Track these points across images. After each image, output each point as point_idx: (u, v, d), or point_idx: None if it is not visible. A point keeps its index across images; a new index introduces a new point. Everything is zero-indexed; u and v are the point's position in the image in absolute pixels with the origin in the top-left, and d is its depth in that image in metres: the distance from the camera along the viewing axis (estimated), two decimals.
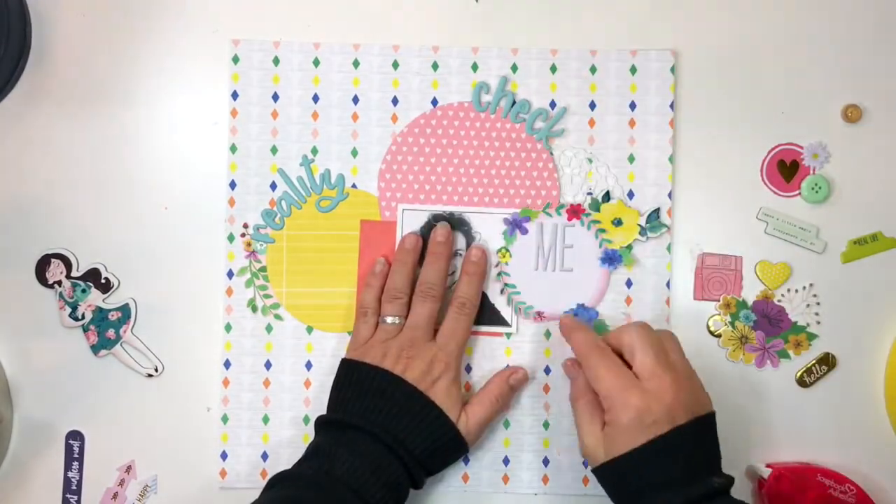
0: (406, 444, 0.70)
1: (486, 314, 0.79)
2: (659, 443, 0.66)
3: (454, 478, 0.78)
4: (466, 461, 0.78)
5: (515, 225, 0.79)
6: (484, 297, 0.79)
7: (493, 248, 0.79)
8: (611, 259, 0.78)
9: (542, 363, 0.79)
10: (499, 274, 0.79)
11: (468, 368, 0.79)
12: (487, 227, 0.79)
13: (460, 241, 0.79)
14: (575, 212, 0.79)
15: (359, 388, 0.73)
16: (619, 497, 0.69)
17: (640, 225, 0.78)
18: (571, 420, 0.78)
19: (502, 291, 0.79)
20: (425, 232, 0.79)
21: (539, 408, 0.79)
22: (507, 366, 0.79)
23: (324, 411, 0.75)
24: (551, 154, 0.79)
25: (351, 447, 0.70)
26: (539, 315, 0.79)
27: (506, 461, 0.79)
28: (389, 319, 0.75)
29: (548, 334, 0.79)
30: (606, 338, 0.73)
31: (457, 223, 0.79)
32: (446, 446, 0.72)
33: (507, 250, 0.79)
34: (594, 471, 0.70)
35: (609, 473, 0.68)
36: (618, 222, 0.78)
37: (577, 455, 0.78)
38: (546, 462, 0.78)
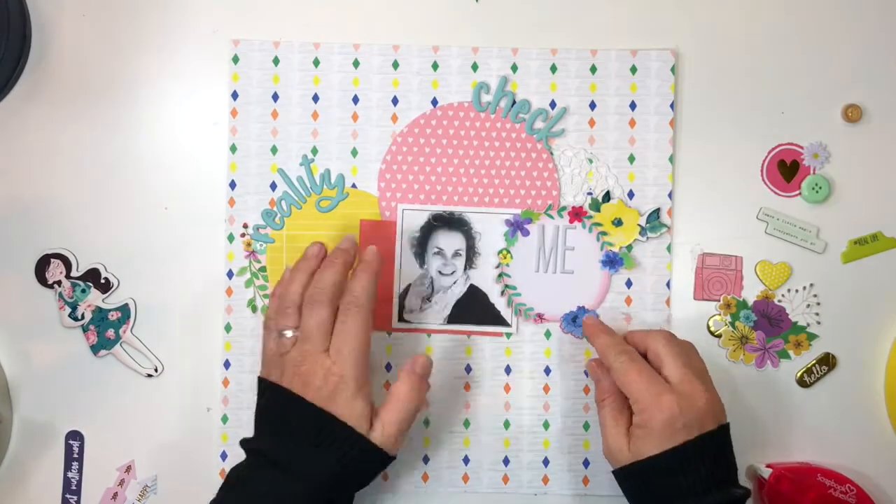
0: (312, 467, 0.65)
1: (486, 314, 0.79)
2: (689, 447, 0.66)
3: (454, 478, 0.78)
4: (466, 462, 0.78)
5: (517, 226, 0.79)
6: (484, 297, 0.79)
7: (493, 249, 0.79)
8: (612, 262, 0.78)
9: (542, 363, 0.79)
10: (500, 275, 0.79)
11: (468, 369, 0.79)
12: (487, 226, 0.79)
13: (460, 241, 0.79)
14: (577, 214, 0.79)
15: (264, 409, 0.69)
16: (641, 500, 0.68)
17: (640, 225, 0.78)
18: (572, 420, 0.78)
19: (503, 293, 0.79)
20: (424, 232, 0.79)
21: (539, 408, 0.79)
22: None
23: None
24: (551, 154, 0.79)
25: (258, 483, 0.65)
26: (539, 317, 0.79)
27: (506, 461, 0.79)
28: (287, 332, 0.69)
29: (548, 334, 0.79)
30: (629, 338, 0.73)
31: (457, 223, 0.79)
32: (359, 459, 0.66)
33: (508, 252, 0.79)
34: (617, 472, 0.69)
35: (634, 475, 0.68)
36: (618, 222, 0.78)
37: (577, 455, 0.78)
38: (546, 462, 0.78)
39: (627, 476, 0.68)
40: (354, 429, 0.66)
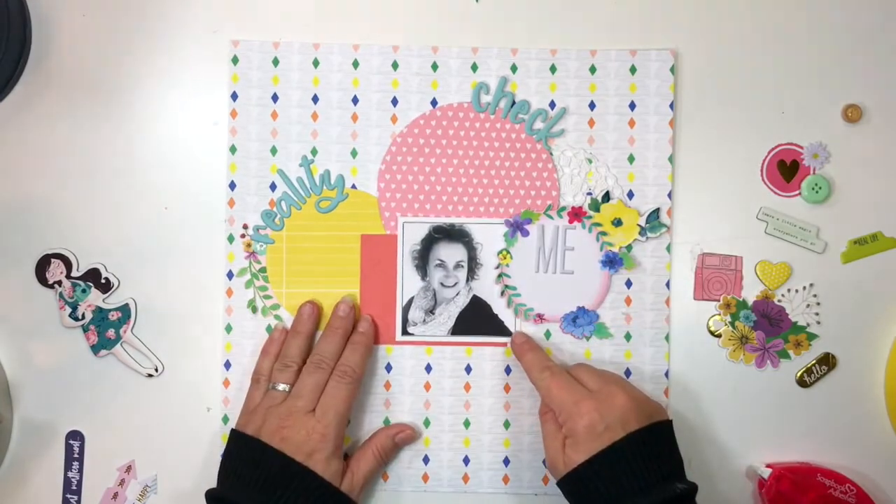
0: None
1: (490, 325, 0.79)
2: (614, 448, 0.67)
3: (454, 479, 0.78)
4: (466, 462, 0.78)
5: (516, 227, 0.79)
6: (487, 307, 0.79)
7: (493, 250, 0.79)
8: (612, 262, 0.78)
9: None
10: (499, 276, 0.79)
11: (468, 369, 0.79)
12: (488, 236, 0.79)
13: (461, 252, 0.79)
14: (576, 214, 0.78)
15: (238, 458, 0.72)
16: None
17: (639, 225, 0.78)
18: None
19: (503, 293, 0.79)
20: (425, 245, 0.79)
21: (539, 408, 0.79)
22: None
23: (228, 437, 0.74)
24: (551, 154, 0.79)
25: None
26: (539, 317, 0.79)
27: (506, 462, 0.79)
28: (280, 387, 0.74)
29: (548, 334, 0.79)
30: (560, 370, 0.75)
31: (457, 235, 0.79)
32: None
33: (508, 252, 0.79)
34: (558, 484, 0.70)
35: (570, 484, 0.69)
36: (618, 222, 0.78)
37: None
38: (546, 462, 0.78)
39: (565, 487, 0.70)
40: (330, 482, 0.71)
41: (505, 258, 0.79)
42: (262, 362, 0.76)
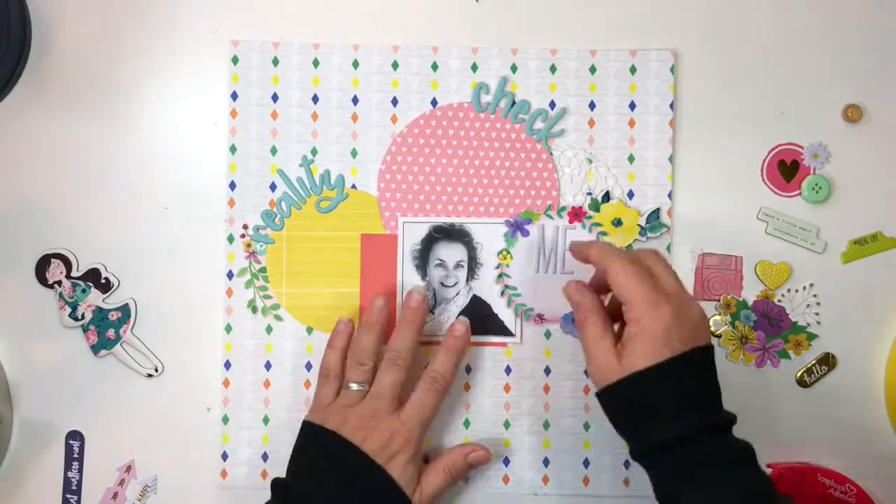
0: None
1: (490, 324, 0.79)
2: (684, 360, 0.63)
3: None
4: None
5: (516, 227, 0.79)
6: (487, 307, 0.79)
7: (493, 250, 0.79)
8: None
9: (542, 363, 0.79)
10: (499, 276, 0.79)
11: (468, 369, 0.79)
12: (488, 236, 0.79)
13: (461, 252, 0.79)
14: (576, 214, 0.78)
15: (314, 453, 0.71)
16: (628, 419, 0.66)
17: (640, 225, 0.78)
18: (572, 420, 0.78)
19: (503, 293, 0.79)
20: (425, 244, 0.79)
21: (539, 408, 0.79)
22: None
23: (300, 429, 0.74)
24: (551, 154, 0.79)
25: None
26: (539, 317, 0.79)
27: (506, 461, 0.79)
28: (354, 386, 0.73)
29: (548, 334, 0.79)
30: (619, 251, 0.70)
31: (458, 234, 0.79)
32: None
33: (508, 252, 0.79)
34: (606, 390, 0.65)
35: (623, 391, 0.64)
36: (617, 222, 0.78)
37: (577, 455, 0.78)
38: (546, 462, 0.78)
39: (614, 394, 0.65)
40: (404, 490, 0.70)
41: (505, 258, 0.79)
42: (330, 357, 0.75)
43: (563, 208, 0.78)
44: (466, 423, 0.79)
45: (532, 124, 0.79)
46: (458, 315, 0.79)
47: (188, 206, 0.79)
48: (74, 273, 0.79)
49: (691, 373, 0.64)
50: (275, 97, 0.79)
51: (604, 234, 0.78)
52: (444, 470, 0.73)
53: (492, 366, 0.79)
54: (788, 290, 0.78)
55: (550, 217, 0.79)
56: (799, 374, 0.78)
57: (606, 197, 0.79)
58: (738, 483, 0.62)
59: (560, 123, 0.79)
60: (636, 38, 0.79)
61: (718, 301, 0.79)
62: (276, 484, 0.71)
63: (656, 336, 0.63)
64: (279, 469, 0.77)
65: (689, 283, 0.79)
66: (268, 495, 0.71)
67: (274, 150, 0.79)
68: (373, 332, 0.74)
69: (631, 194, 0.79)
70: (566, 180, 0.79)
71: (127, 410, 0.79)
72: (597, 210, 0.78)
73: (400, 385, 0.73)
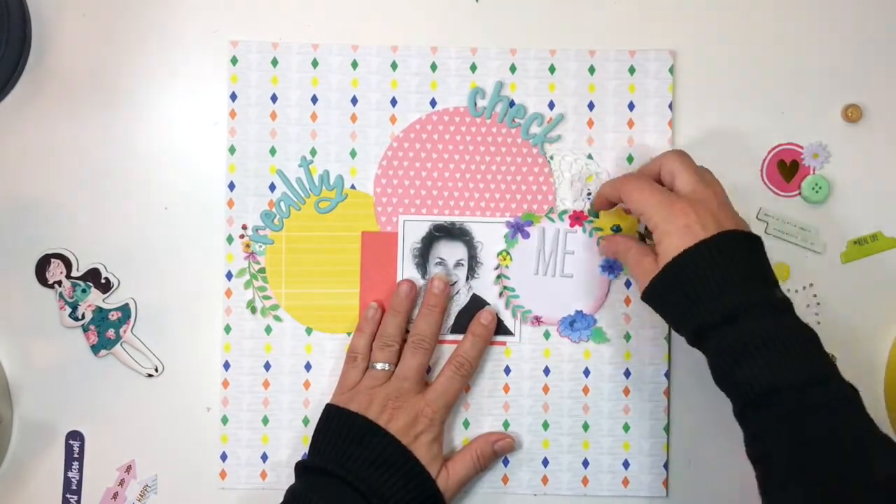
0: (382, 495, 0.69)
1: None
2: (710, 242, 0.64)
3: None
4: None
5: (517, 228, 0.79)
6: (486, 304, 0.79)
7: (494, 249, 0.79)
8: (611, 267, 0.78)
9: (541, 363, 0.79)
10: (498, 277, 0.79)
11: None
12: (488, 236, 0.79)
13: (461, 251, 0.79)
14: (577, 218, 0.78)
15: (339, 434, 0.72)
16: (673, 308, 0.67)
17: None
18: (571, 420, 0.78)
19: (501, 294, 0.79)
20: (426, 243, 0.79)
21: (539, 408, 0.79)
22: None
23: (322, 412, 0.75)
24: (548, 160, 0.78)
25: (326, 495, 0.69)
26: (537, 319, 0.79)
27: (505, 461, 0.79)
28: (379, 366, 0.75)
29: (547, 334, 0.79)
30: (643, 169, 0.73)
31: (458, 233, 0.79)
32: (423, 498, 0.72)
33: (508, 253, 0.79)
34: (646, 291, 0.68)
35: (659, 285, 0.67)
36: (617, 228, 0.78)
37: (577, 455, 0.78)
38: (546, 462, 0.78)
39: (655, 288, 0.67)
40: (428, 471, 0.72)
41: (505, 259, 0.79)
42: (358, 340, 0.77)
43: (565, 211, 0.78)
44: (466, 424, 0.79)
45: (528, 129, 0.78)
46: (458, 314, 0.79)
47: (188, 207, 0.79)
48: (74, 273, 0.79)
49: (722, 254, 0.64)
50: (274, 98, 0.79)
51: (603, 238, 0.78)
52: (472, 458, 0.75)
53: (491, 366, 0.79)
54: (788, 291, 0.78)
55: (552, 220, 0.79)
56: None
57: None
58: (791, 361, 0.62)
59: (557, 129, 0.79)
60: (635, 38, 0.79)
61: None
62: (304, 466, 0.72)
63: (679, 231, 0.66)
64: (279, 469, 0.78)
65: None
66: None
67: (273, 151, 0.79)
68: (399, 316, 0.76)
69: None
70: (566, 184, 0.79)
71: (127, 410, 0.79)
72: (596, 215, 0.78)
73: (425, 367, 0.75)
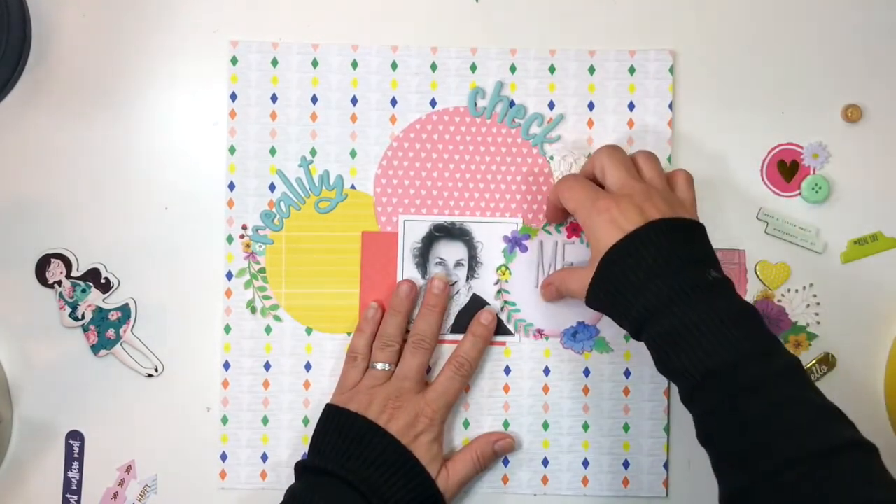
0: (382, 495, 0.69)
1: None
2: (633, 235, 0.65)
3: None
4: None
5: (515, 242, 0.79)
6: (486, 304, 0.79)
7: (494, 260, 0.79)
8: None
9: (541, 363, 0.79)
10: (499, 291, 0.79)
11: None
12: (489, 236, 0.79)
13: (462, 251, 0.79)
14: (575, 229, 0.78)
15: (339, 434, 0.72)
16: (614, 305, 0.67)
17: None
18: (571, 420, 0.78)
19: (502, 309, 0.79)
20: (426, 243, 0.79)
21: (539, 407, 0.79)
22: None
23: (322, 412, 0.75)
24: (548, 159, 0.78)
25: (326, 495, 0.69)
26: (539, 333, 0.78)
27: (505, 461, 0.79)
28: (379, 366, 0.75)
29: (548, 352, 0.79)
30: (582, 168, 0.74)
31: (458, 233, 0.79)
32: (422, 498, 0.72)
33: (507, 268, 0.79)
34: (589, 300, 0.68)
35: (597, 284, 0.67)
36: None
37: (576, 455, 0.78)
38: (546, 462, 0.78)
39: (594, 287, 0.67)
40: (428, 471, 0.72)
41: (504, 274, 0.79)
42: (358, 340, 0.77)
43: (562, 223, 0.79)
44: (466, 424, 0.79)
45: (528, 129, 0.78)
46: (458, 314, 0.79)
47: (188, 207, 0.79)
48: (74, 273, 0.79)
49: (645, 245, 0.64)
50: (274, 98, 0.79)
51: None
52: (473, 458, 0.75)
53: (491, 366, 0.79)
54: (788, 290, 0.78)
55: (549, 233, 0.79)
56: None
57: None
58: (723, 342, 0.62)
59: (557, 130, 0.79)
60: (635, 38, 0.79)
61: None
62: (304, 466, 0.72)
63: (603, 226, 0.66)
64: (279, 469, 0.78)
65: None
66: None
67: (273, 151, 0.79)
68: (399, 316, 0.76)
69: None
70: None
71: (127, 410, 0.79)
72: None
73: (425, 367, 0.75)
